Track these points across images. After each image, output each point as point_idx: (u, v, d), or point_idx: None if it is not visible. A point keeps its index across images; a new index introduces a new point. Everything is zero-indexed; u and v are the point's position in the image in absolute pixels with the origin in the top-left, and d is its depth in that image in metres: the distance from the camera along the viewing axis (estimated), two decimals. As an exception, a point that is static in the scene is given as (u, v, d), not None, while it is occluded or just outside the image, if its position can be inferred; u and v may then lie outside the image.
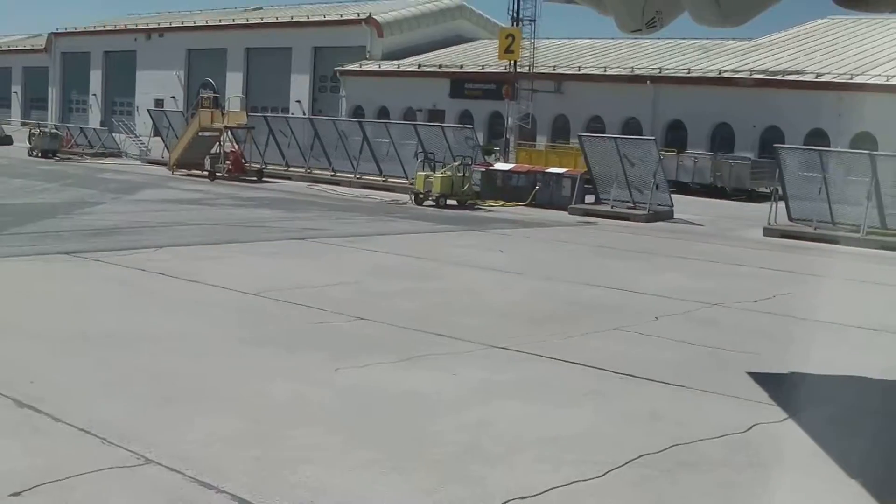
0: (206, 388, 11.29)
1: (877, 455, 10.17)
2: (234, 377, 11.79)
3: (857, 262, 26.20)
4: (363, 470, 8.90)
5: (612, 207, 36.72)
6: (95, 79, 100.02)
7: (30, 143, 59.01)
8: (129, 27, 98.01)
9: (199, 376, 11.78)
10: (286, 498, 8.09)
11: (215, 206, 33.82)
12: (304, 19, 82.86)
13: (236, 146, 49.12)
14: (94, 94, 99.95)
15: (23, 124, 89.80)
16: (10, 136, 68.73)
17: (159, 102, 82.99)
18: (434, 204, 36.95)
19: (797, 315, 17.58)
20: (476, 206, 37.57)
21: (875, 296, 20.81)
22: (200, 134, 47.87)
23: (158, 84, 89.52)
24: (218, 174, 45.73)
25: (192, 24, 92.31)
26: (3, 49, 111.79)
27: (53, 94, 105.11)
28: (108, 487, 8.17)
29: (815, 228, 32.38)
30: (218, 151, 47.76)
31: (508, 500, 8.28)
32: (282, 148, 50.26)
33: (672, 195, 37.92)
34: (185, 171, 47.61)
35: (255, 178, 46.07)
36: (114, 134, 64.18)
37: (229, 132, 48.62)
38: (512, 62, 61.44)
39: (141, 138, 61.95)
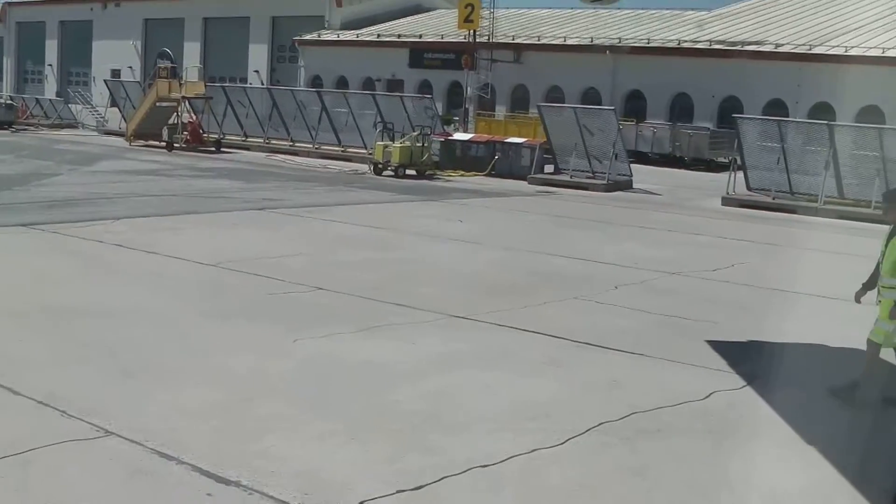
0: (166, 361, 11.23)
1: (835, 422, 10.26)
2: (193, 349, 11.74)
3: (814, 232, 26.38)
4: (323, 440, 8.90)
5: (571, 177, 36.77)
6: (51, 49, 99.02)
7: (-16, 115, 58.40)
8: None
9: (158, 348, 11.72)
10: (246, 468, 8.07)
11: (173, 176, 33.60)
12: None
13: (194, 117, 48.81)
14: (50, 65, 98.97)
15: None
16: (-36, 108, 67.95)
17: (116, 73, 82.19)
18: (393, 174, 36.87)
19: (755, 284, 17.69)
20: (435, 176, 37.53)
21: (832, 265, 20.95)
22: (158, 104, 47.49)
23: (115, 54, 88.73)
24: (176, 145, 45.42)
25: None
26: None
27: (8, 65, 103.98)
28: (67, 460, 8.12)
29: (773, 198, 32.58)
30: (176, 122, 47.41)
31: (469, 469, 8.30)
32: (240, 118, 49.98)
33: (631, 165, 38.04)
34: (142, 142, 47.26)
35: (213, 149, 45.79)
36: (70, 105, 63.63)
37: (187, 102, 48.29)
38: (471, 32, 61.35)
39: (98, 109, 61.43)
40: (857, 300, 11.35)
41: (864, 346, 13.14)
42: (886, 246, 10.89)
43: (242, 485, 7.75)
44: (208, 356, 11.43)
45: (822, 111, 48.67)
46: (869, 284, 11.28)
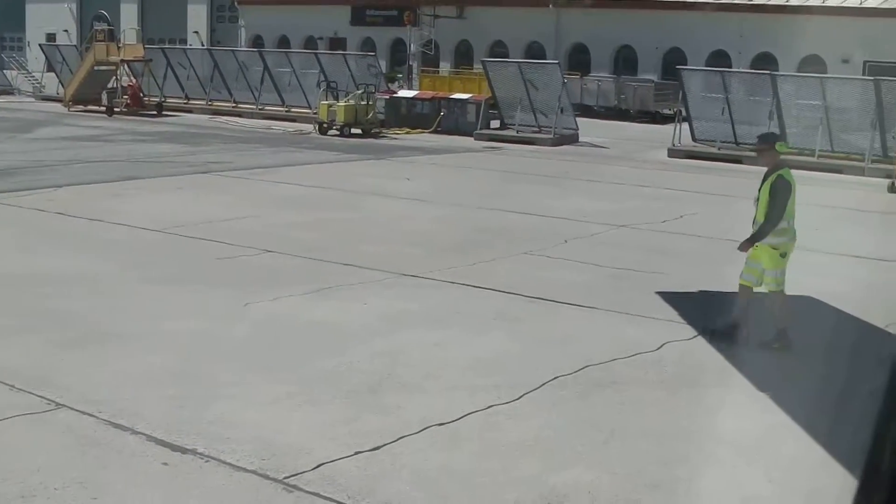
0: (115, 329, 11.12)
1: (785, 368, 10.34)
2: (142, 316, 11.63)
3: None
4: (279, 403, 8.85)
5: (517, 132, 36.73)
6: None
7: (-84, 84, 57.38)
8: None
9: (106, 317, 11.60)
10: (202, 435, 8.01)
11: (115, 142, 33.21)
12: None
13: (133, 80, 48.14)
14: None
15: None
16: None
17: (51, 37, 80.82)
18: (338, 133, 36.67)
19: (704, 234, 17.78)
20: (381, 135, 37.36)
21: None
22: (96, 68, 46.79)
23: (50, 18, 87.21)
24: (116, 109, 44.83)
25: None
26: None
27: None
28: (19, 435, 8.03)
29: (718, 149, 32.70)
30: (115, 86, 46.77)
31: (426, 428, 8.29)
32: (181, 80, 49.42)
33: (577, 118, 38.01)
34: (81, 108, 46.62)
35: (154, 112, 45.25)
36: (4, 70, 62.56)
37: (126, 66, 47.60)
38: (413, -12, 60.97)
39: (34, 74, 60.43)
40: (744, 250, 11.23)
41: (810, 293, 13.32)
42: (759, 190, 11.02)
43: (198, 452, 7.69)
44: (158, 323, 11.32)
45: (765, 61, 48.89)
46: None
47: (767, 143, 11.24)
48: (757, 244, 10.91)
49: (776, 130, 31.68)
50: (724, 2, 53.69)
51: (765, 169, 11.25)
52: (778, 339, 10.97)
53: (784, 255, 10.96)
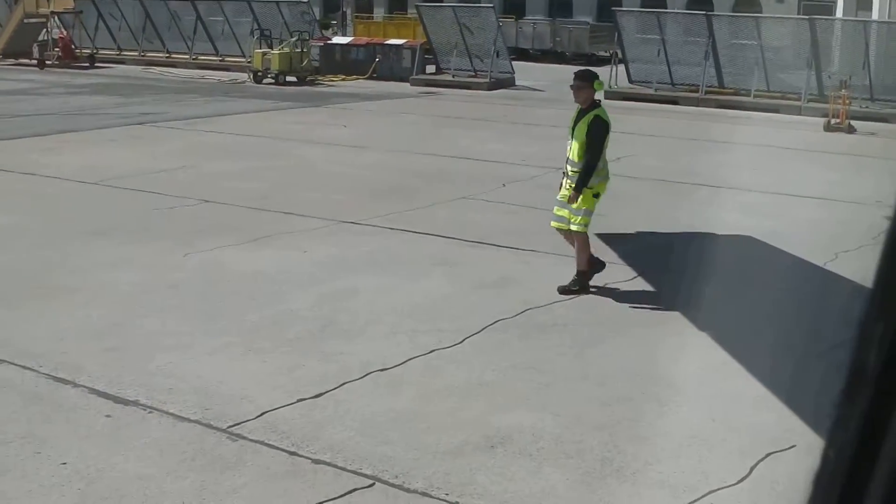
0: (52, 283, 11.00)
1: (724, 307, 10.45)
2: (79, 269, 11.52)
3: (697, 122, 26.70)
4: (220, 353, 8.83)
5: (453, 77, 36.63)
6: None
7: None
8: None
9: (43, 270, 11.48)
10: (144, 387, 7.97)
11: (47, 95, 32.72)
12: None
13: (64, 32, 47.39)
14: None
15: None
16: None
17: (-20, -11, 79.52)
18: (273, 81, 36.37)
19: (642, 176, 17.84)
20: (316, 82, 37.11)
21: (715, 154, 21.24)
22: (25, 21, 45.98)
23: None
24: (48, 62, 44.10)
25: None
26: None
27: None
28: (-44, 389, 7.95)
29: (655, 90, 32.81)
30: (46, 38, 46.05)
31: (369, 373, 8.31)
32: (113, 31, 48.68)
33: (513, 62, 37.97)
34: (12, 61, 45.80)
35: (86, 65, 44.57)
36: (-68, 25, 61.39)
37: (56, 18, 46.85)
38: (344, -68, 60.41)
39: (-38, 28, 59.39)
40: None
41: (748, 232, 13.43)
42: (574, 129, 10.78)
43: (141, 403, 7.67)
44: (96, 275, 11.23)
45: (700, 2, 49.02)
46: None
47: (585, 80, 10.76)
48: (572, 183, 10.62)
49: (715, 70, 31.89)
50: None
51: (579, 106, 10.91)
52: (578, 281, 10.73)
53: (597, 196, 10.77)
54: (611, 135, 10.88)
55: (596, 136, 10.58)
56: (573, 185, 10.58)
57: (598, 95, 11.01)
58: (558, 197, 10.90)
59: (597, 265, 10.92)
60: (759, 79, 31.01)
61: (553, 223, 10.98)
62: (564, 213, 10.75)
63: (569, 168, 10.72)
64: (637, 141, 22.50)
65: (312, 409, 7.63)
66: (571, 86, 10.88)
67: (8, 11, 49.50)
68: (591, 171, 10.57)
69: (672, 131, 24.49)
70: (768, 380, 8.26)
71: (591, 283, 10.92)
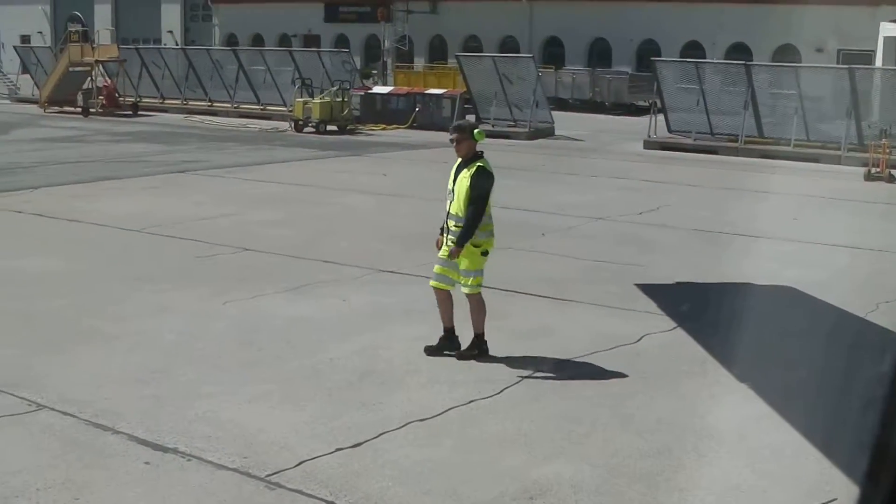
0: (93, 329, 11.10)
1: (765, 358, 10.38)
2: (121, 315, 11.60)
3: (736, 172, 26.62)
4: (259, 402, 8.86)
5: (492, 126, 36.60)
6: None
7: None
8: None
9: (84, 316, 11.58)
10: (183, 434, 8.01)
11: (91, 142, 33.08)
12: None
13: (109, 80, 47.98)
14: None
15: None
16: None
17: (26, 38, 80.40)
18: (314, 130, 36.60)
19: (681, 225, 17.82)
20: (356, 131, 37.31)
21: (755, 204, 21.17)
22: (71, 69, 46.61)
23: (23, 19, 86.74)
24: (91, 110, 44.65)
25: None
26: None
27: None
28: (0, 436, 8.02)
29: (694, 140, 32.75)
30: (90, 86, 46.61)
31: (408, 423, 8.31)
32: (156, 80, 49.24)
33: (552, 112, 38.04)
34: (57, 108, 46.40)
35: (129, 112, 45.09)
36: (-21, 73, 62.26)
37: (101, 66, 47.47)
38: (386, -17, 60.89)
39: (9, 76, 60.11)
40: (439, 247, 10.37)
41: (789, 282, 13.36)
42: (455, 182, 10.19)
43: (180, 451, 7.70)
44: (136, 322, 11.30)
45: (739, 52, 49.02)
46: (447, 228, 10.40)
47: (464, 132, 10.16)
48: (454, 239, 10.04)
49: (754, 120, 31.79)
50: (696, -8, 53.78)
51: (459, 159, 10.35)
52: (476, 345, 10.21)
53: (486, 254, 10.18)
54: (494, 187, 10.28)
55: (480, 189, 9.98)
56: (454, 241, 10.01)
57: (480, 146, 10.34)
58: (440, 254, 10.22)
59: (451, 345, 10.27)
60: (798, 128, 30.89)
61: (432, 282, 10.29)
62: (448, 272, 10.15)
63: (451, 223, 10.15)
64: (676, 191, 22.49)
65: (351, 458, 7.63)
66: (450, 139, 10.26)
67: (54, 60, 50.15)
68: (474, 225, 9.96)
69: (711, 181, 24.44)
70: (808, 431, 8.20)
71: (635, 335, 10.88)
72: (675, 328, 11.35)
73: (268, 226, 17.33)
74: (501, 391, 9.16)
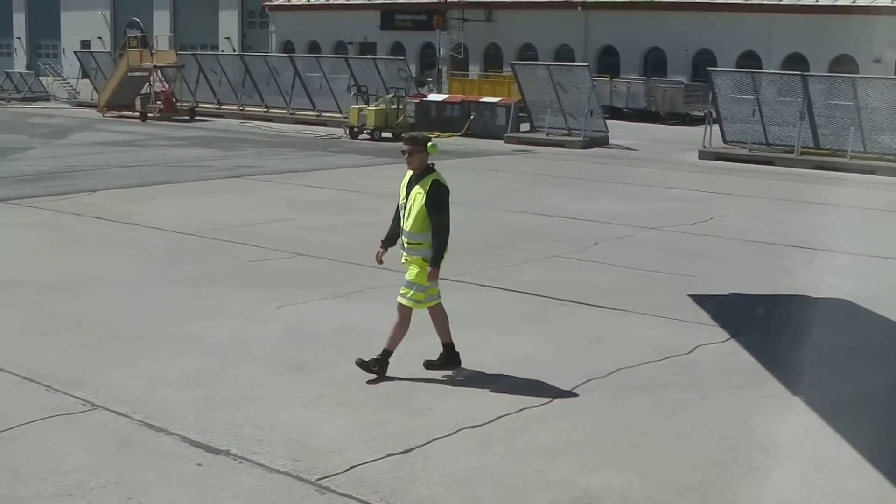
0: (148, 331, 11.20)
1: (818, 371, 10.31)
2: (175, 318, 11.70)
3: (791, 183, 26.43)
4: (311, 406, 8.90)
5: (547, 135, 36.72)
6: (19, 22, 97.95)
7: (-46, 90, 57.86)
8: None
9: (139, 318, 11.69)
10: (235, 436, 8.07)
11: (148, 147, 33.41)
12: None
13: (166, 85, 48.47)
14: (19, 38, 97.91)
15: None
16: (-67, 84, 67.26)
17: (86, 44, 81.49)
18: (369, 137, 36.77)
19: (735, 236, 17.71)
20: (411, 139, 37.31)
21: (810, 216, 21.01)
22: (129, 74, 47.19)
23: (84, 25, 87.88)
24: (149, 115, 45.15)
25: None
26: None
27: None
28: (55, 435, 8.10)
29: (749, 150, 32.58)
30: (148, 91, 47.12)
31: (459, 430, 8.32)
32: (213, 86, 49.71)
33: (607, 121, 37.97)
34: (115, 113, 46.95)
35: (187, 118, 45.54)
36: (41, 77, 63.07)
37: (159, 71, 47.98)
38: (442, -9, 61.02)
39: (69, 81, 60.90)
40: (379, 260, 10.14)
41: (843, 295, 13.23)
42: (407, 197, 9.87)
43: (231, 454, 7.76)
44: (191, 325, 11.39)
45: (795, 62, 48.71)
46: (388, 241, 10.17)
47: (417, 144, 9.78)
48: (409, 257, 9.75)
49: (810, 131, 31.53)
50: (753, 2, 53.51)
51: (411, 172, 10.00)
52: (446, 357, 10.00)
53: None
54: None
55: (439, 203, 9.74)
56: (409, 259, 9.73)
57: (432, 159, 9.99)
58: (407, 277, 9.85)
59: (386, 355, 9.86)
60: (855, 139, 30.64)
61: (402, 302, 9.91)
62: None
63: (405, 240, 9.80)
64: (730, 201, 22.36)
65: (401, 464, 7.65)
66: (402, 151, 9.87)
67: (113, 65, 50.71)
68: (445, 243, 9.80)
69: (766, 192, 24.27)
70: (861, 445, 8.13)
71: (688, 345, 10.84)
72: (728, 339, 11.28)
73: (321, 231, 17.41)
74: (552, 400, 9.15)
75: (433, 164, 9.93)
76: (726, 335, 11.42)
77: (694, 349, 10.84)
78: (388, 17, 68.22)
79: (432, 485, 7.30)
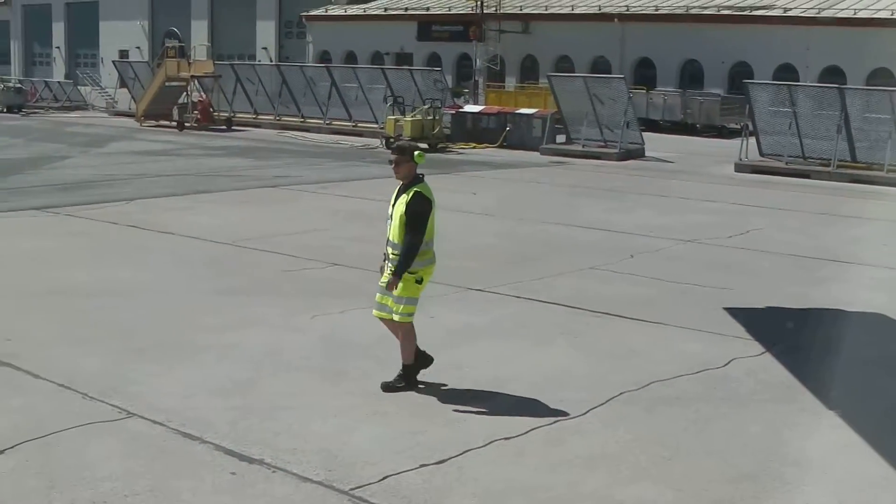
0: (184, 339, 11.27)
1: (853, 385, 10.25)
2: (210, 327, 11.76)
3: (828, 196, 26.29)
4: (345, 415, 8.93)
5: (583, 147, 36.66)
6: (58, 31, 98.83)
7: (-7, 99, 58.33)
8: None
9: (175, 327, 11.76)
10: (269, 446, 8.11)
11: (185, 156, 33.62)
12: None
13: (204, 95, 48.76)
14: (58, 47, 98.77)
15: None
16: (-27, 92, 67.86)
17: (124, 53, 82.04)
18: (405, 148, 36.75)
19: (770, 249, 17.64)
20: (447, 149, 37.45)
21: (846, 229, 20.90)
22: (167, 84, 47.48)
23: (122, 35, 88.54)
24: (186, 124, 45.40)
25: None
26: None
27: (15, 48, 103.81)
28: (91, 443, 8.17)
29: (786, 163, 32.41)
30: (186, 101, 47.41)
31: (492, 441, 8.33)
32: (250, 96, 49.95)
33: (643, 133, 37.88)
34: (153, 122, 47.24)
35: (223, 127, 45.77)
36: (79, 87, 63.55)
37: (196, 81, 48.28)
38: (479, 3, 61.06)
39: (107, 90, 61.33)
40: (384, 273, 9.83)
41: (882, 310, 13.15)
42: (393, 206, 9.73)
43: (265, 463, 7.80)
44: (225, 334, 11.45)
45: (833, 74, 48.44)
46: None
47: (404, 154, 9.66)
48: (393, 267, 9.57)
49: (847, 144, 31.34)
50: (790, 15, 53.27)
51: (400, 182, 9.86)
52: (402, 377, 9.74)
53: (420, 282, 9.64)
54: (436, 212, 9.77)
55: (417, 215, 9.47)
56: (393, 270, 9.57)
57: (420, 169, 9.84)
58: (380, 282, 9.78)
59: (423, 360, 9.91)
60: (892, 153, 30.41)
61: (374, 311, 9.87)
62: (387, 300, 9.71)
63: (389, 251, 9.70)
64: (766, 214, 22.27)
65: (435, 474, 7.67)
66: (389, 160, 9.81)
67: (151, 75, 51.04)
68: (412, 254, 9.45)
69: (802, 205, 24.16)
70: (896, 461, 8.10)
71: (723, 359, 10.80)
72: (763, 353, 11.24)
73: (357, 241, 17.45)
74: (586, 412, 9.14)
75: (422, 175, 9.78)
76: (761, 349, 11.38)
77: (728, 362, 10.80)
78: (425, 28, 68.31)
79: (465, 496, 7.32)
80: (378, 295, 9.80)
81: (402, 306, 9.59)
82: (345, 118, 45.44)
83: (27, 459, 7.78)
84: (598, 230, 19.38)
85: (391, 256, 9.66)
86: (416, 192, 9.56)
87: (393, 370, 10.06)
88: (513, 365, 10.60)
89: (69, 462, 7.75)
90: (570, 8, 62.76)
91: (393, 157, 9.75)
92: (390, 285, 9.52)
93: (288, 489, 7.38)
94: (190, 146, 37.17)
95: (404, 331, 9.73)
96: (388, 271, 9.65)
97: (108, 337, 11.30)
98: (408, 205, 9.50)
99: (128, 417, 8.73)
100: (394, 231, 9.62)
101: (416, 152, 9.69)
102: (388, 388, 9.64)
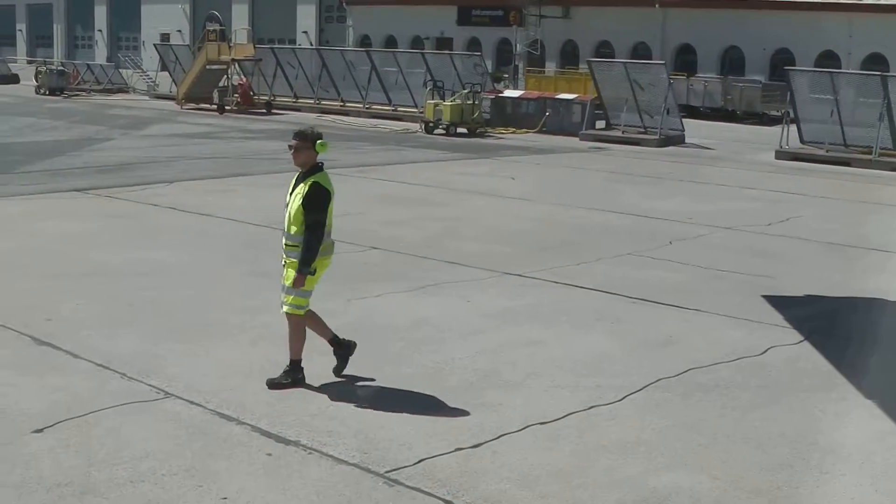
0: (221, 321, 11.33)
1: (892, 375, 10.17)
2: (248, 309, 11.81)
3: (869, 184, 26.09)
4: (381, 399, 8.95)
5: (622, 133, 36.53)
6: (100, 14, 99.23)
7: (36, 81, 58.61)
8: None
9: (213, 309, 11.82)
10: (305, 428, 8.13)
11: (225, 139, 33.74)
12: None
13: (244, 79, 48.88)
14: (100, 30, 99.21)
15: (29, 62, 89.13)
16: (16, 75, 68.23)
17: (165, 37, 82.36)
18: (444, 132, 36.81)
19: (810, 238, 17.53)
20: (486, 134, 37.40)
21: (887, 218, 20.74)
22: (208, 67, 47.60)
23: (164, 18, 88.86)
24: (227, 107, 45.51)
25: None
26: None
27: (58, 31, 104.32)
28: (129, 422, 8.22)
29: (826, 151, 32.15)
30: (226, 84, 47.54)
31: (528, 426, 8.32)
32: (290, 79, 50.01)
33: (683, 119, 37.69)
34: (193, 105, 47.39)
35: (263, 111, 45.87)
36: (121, 69, 63.86)
37: (237, 65, 48.40)
38: (519, -12, 60.91)
39: (148, 73, 61.58)
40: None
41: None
42: (290, 195, 9.31)
43: (302, 444, 7.82)
44: (262, 315, 11.47)
45: (876, 62, 48.01)
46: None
47: (305, 140, 9.22)
48: (287, 259, 9.22)
49: (889, 132, 31.08)
50: (833, 2, 52.80)
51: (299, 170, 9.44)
52: (289, 373, 9.28)
53: (313, 273, 9.13)
54: (334, 203, 9.39)
55: (315, 206, 9.05)
56: (287, 262, 9.21)
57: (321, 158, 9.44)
58: (283, 282, 9.36)
59: (344, 347, 9.59)
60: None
61: (283, 308, 9.41)
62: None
63: (283, 241, 9.29)
64: (806, 202, 22.13)
65: (470, 458, 7.67)
66: (290, 145, 9.33)
67: (192, 58, 51.22)
68: (314, 248, 9.02)
69: (843, 193, 23.98)
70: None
71: (761, 347, 10.75)
72: (801, 341, 11.17)
73: (395, 225, 17.48)
74: (623, 398, 9.12)
75: (321, 164, 9.38)
76: (800, 337, 11.31)
77: (766, 350, 10.75)
78: (465, 13, 68.21)
79: (500, 480, 7.31)
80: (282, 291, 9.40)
81: (291, 297, 9.18)
82: (384, 102, 45.44)
83: (66, 438, 7.84)
84: (636, 216, 19.31)
85: (285, 247, 9.26)
86: (313, 182, 9.14)
87: (428, 353, 10.07)
88: (549, 350, 10.58)
89: (107, 441, 7.80)
90: (612, -7, 62.42)
91: (293, 142, 9.31)
92: (296, 284, 9.07)
93: (323, 471, 7.41)
94: (229, 129, 37.29)
95: (293, 324, 9.31)
96: (284, 261, 9.28)
97: (146, 318, 11.38)
98: (305, 196, 9.07)
99: (165, 398, 8.78)
100: (288, 222, 9.20)
101: (318, 140, 9.24)
102: (273, 384, 9.16)
